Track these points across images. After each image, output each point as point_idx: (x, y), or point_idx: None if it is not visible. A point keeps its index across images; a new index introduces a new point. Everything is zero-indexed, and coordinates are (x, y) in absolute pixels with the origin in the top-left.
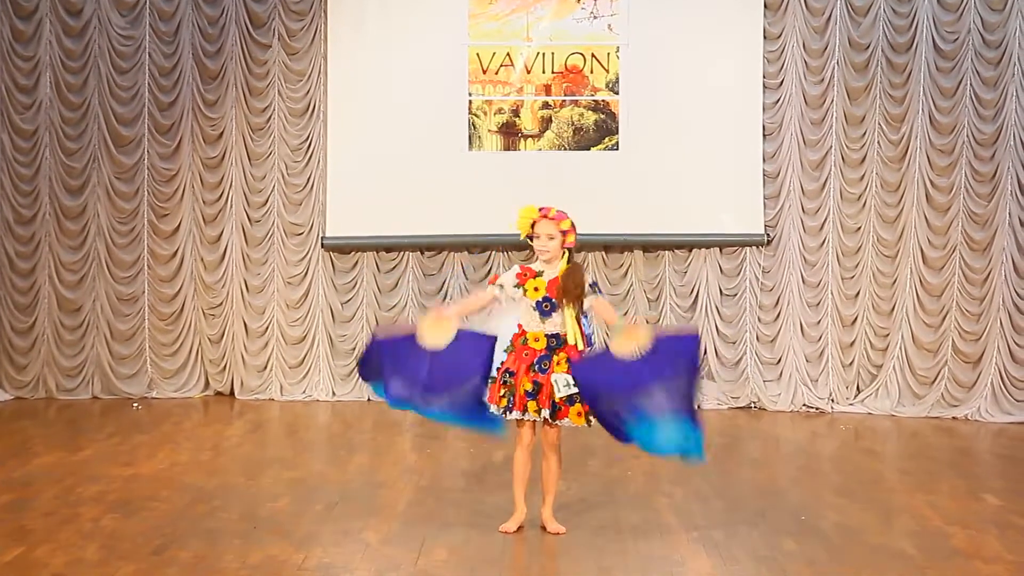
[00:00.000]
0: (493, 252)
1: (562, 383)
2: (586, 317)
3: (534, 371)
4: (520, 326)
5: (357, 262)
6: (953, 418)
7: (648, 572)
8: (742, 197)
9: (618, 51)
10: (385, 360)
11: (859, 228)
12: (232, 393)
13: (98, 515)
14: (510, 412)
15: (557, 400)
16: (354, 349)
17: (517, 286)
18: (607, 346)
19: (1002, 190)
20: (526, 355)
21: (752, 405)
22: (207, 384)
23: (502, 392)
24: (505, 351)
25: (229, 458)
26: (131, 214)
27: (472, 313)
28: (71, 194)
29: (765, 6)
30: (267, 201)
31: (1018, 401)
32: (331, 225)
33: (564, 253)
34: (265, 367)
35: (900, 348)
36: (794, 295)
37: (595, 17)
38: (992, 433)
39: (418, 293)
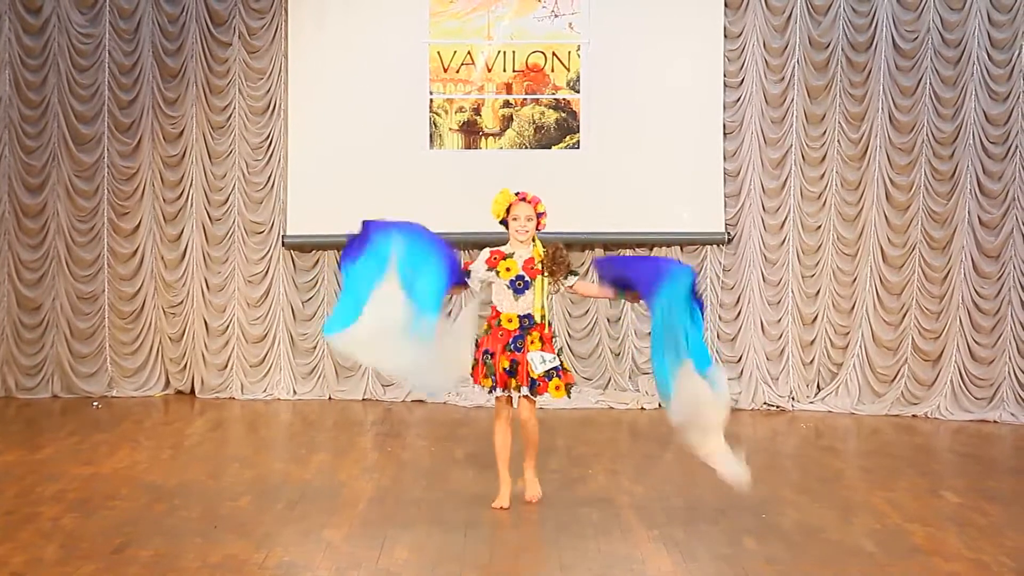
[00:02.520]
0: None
1: (538, 360)
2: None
3: (510, 350)
4: (494, 308)
5: (318, 260)
6: (913, 416)
7: (609, 570)
8: (703, 195)
9: (579, 50)
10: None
11: (819, 226)
12: (193, 392)
13: (58, 514)
14: (495, 390)
15: (536, 377)
16: (315, 347)
17: (489, 269)
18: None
19: (961, 188)
20: (501, 335)
21: None
22: (167, 383)
23: (484, 372)
24: (483, 333)
25: (190, 457)
26: (91, 212)
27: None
28: (30, 192)
29: (726, 5)
30: (228, 199)
31: (977, 399)
32: (292, 223)
33: (535, 236)
34: (226, 366)
35: (860, 346)
36: (755, 293)
37: (556, 16)
38: (951, 431)
39: None
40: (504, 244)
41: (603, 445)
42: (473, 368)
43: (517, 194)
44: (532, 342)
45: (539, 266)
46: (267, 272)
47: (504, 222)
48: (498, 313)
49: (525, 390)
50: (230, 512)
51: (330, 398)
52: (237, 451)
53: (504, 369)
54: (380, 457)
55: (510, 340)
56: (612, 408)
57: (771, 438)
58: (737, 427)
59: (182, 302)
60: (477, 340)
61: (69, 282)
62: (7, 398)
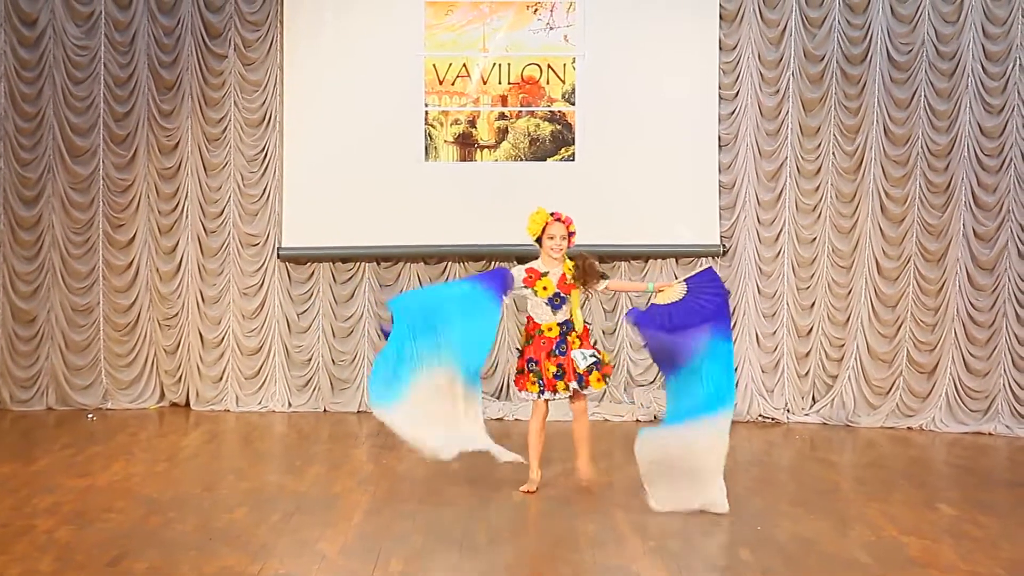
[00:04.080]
0: (449, 263)
1: (580, 358)
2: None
3: (554, 356)
4: (531, 319)
5: (313, 273)
6: (908, 428)
7: None
8: (698, 208)
9: (574, 62)
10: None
11: (814, 239)
12: (188, 404)
13: (53, 527)
14: (543, 394)
15: (581, 372)
16: (310, 360)
17: (525, 287)
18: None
19: (956, 201)
20: (544, 343)
21: None
22: (162, 395)
23: (532, 379)
24: (525, 343)
25: (185, 469)
26: (86, 224)
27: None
28: (25, 204)
29: (721, 18)
30: (223, 212)
31: (972, 411)
32: (287, 236)
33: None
34: (221, 378)
35: (855, 358)
36: (750, 305)
37: (551, 28)
38: (947, 443)
39: (374, 304)
40: (535, 259)
41: (598, 457)
42: (517, 377)
43: (552, 214)
44: (572, 342)
45: (571, 280)
46: (262, 284)
47: (539, 240)
48: (537, 324)
49: (574, 385)
50: (225, 524)
51: (325, 410)
52: (232, 463)
53: (553, 374)
54: (375, 469)
55: (553, 347)
56: (607, 420)
57: (766, 450)
58: (733, 440)
59: (177, 314)
60: (520, 349)
61: (64, 294)
62: (2, 410)
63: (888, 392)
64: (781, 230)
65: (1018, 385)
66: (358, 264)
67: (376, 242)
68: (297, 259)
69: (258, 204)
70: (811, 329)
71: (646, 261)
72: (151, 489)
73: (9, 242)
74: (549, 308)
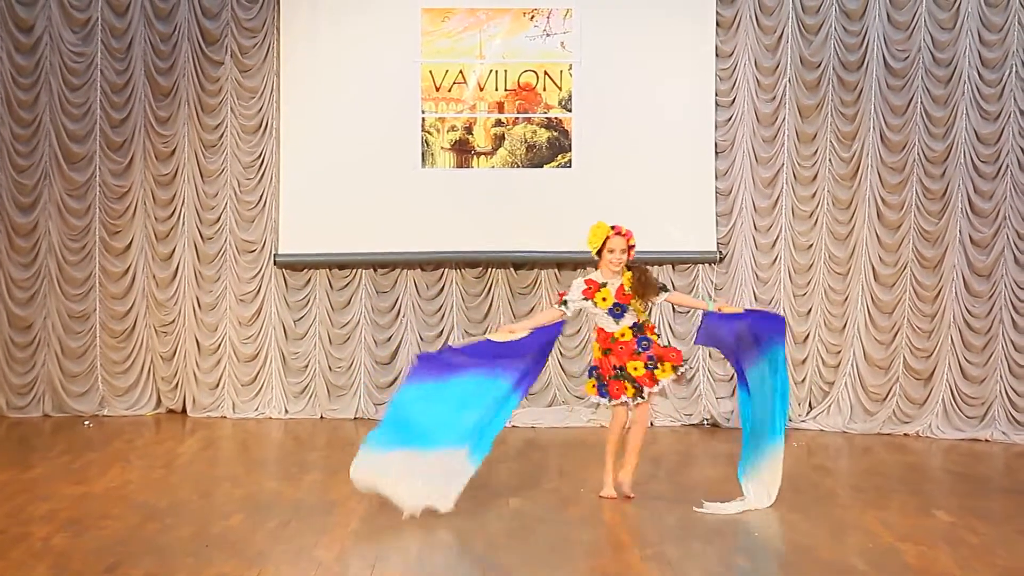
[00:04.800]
0: (446, 269)
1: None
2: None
3: (638, 354)
4: (600, 330)
5: (310, 279)
6: (904, 435)
7: None
8: (694, 214)
9: (571, 69)
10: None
11: (811, 245)
12: (184, 411)
13: (49, 534)
14: (640, 394)
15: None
16: (307, 366)
17: (585, 299)
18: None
19: (952, 208)
20: (622, 348)
21: (705, 422)
22: (159, 402)
23: (625, 384)
24: (601, 354)
25: (181, 476)
26: (83, 231)
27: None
28: (22, 211)
29: (717, 24)
30: (219, 218)
31: (969, 418)
32: (284, 242)
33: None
34: (217, 385)
35: (852, 365)
36: None
37: (548, 35)
38: (943, 449)
39: (371, 310)
40: (595, 272)
41: (595, 464)
42: (607, 387)
43: (613, 228)
44: (653, 339)
45: (629, 291)
46: (259, 291)
47: (599, 252)
48: (609, 334)
49: (664, 382)
50: (222, 531)
51: (322, 417)
52: (229, 470)
53: (647, 367)
54: None
55: (635, 346)
56: (604, 427)
57: None
58: (730, 446)
59: (173, 321)
60: (592, 363)
61: (60, 301)
62: None
63: (885, 399)
64: (777, 237)
65: (1015, 392)
66: (355, 271)
67: (373, 249)
68: (294, 266)
69: (255, 211)
70: (808, 336)
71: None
72: (147, 496)
73: (5, 248)
74: (611, 319)
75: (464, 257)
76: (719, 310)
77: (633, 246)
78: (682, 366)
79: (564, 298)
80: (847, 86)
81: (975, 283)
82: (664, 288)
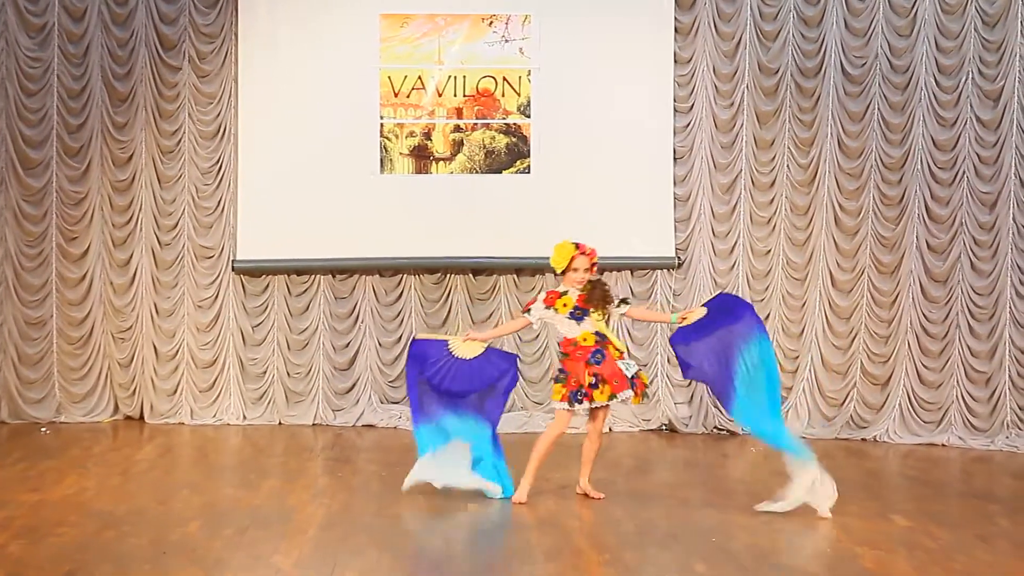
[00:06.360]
0: (405, 275)
1: (624, 368)
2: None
3: (591, 364)
4: (565, 338)
5: (268, 285)
6: (862, 440)
7: None
8: (653, 220)
9: (529, 75)
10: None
11: (769, 251)
12: (142, 417)
13: (4, 542)
14: (578, 403)
15: (631, 376)
16: (265, 372)
17: (547, 308)
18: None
19: (909, 213)
20: (580, 353)
21: (663, 427)
22: (116, 408)
23: (566, 390)
24: (563, 358)
25: (139, 483)
26: (39, 237)
27: (503, 337)
28: None
29: (676, 31)
30: (177, 224)
31: (926, 423)
32: (242, 248)
33: None
34: (175, 391)
35: (810, 370)
36: None
37: (506, 41)
38: (900, 454)
39: (329, 316)
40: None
41: (554, 469)
42: (556, 386)
43: (578, 247)
44: (612, 354)
45: (587, 302)
46: (217, 297)
47: (564, 271)
48: (571, 339)
49: (625, 394)
50: (180, 538)
51: (280, 423)
52: (187, 477)
53: (589, 384)
54: (330, 482)
55: (589, 355)
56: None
57: (721, 462)
58: (688, 451)
59: (131, 327)
60: (561, 368)
61: (17, 307)
62: None
63: (842, 404)
64: (736, 242)
65: (971, 396)
66: (313, 277)
67: (331, 255)
68: (252, 272)
69: (212, 216)
70: None
71: (601, 273)
72: (105, 503)
73: None
74: (573, 321)
75: (423, 263)
76: (682, 320)
77: (595, 264)
78: (618, 396)
79: (530, 307)
80: (805, 92)
81: (932, 289)
82: (624, 301)
